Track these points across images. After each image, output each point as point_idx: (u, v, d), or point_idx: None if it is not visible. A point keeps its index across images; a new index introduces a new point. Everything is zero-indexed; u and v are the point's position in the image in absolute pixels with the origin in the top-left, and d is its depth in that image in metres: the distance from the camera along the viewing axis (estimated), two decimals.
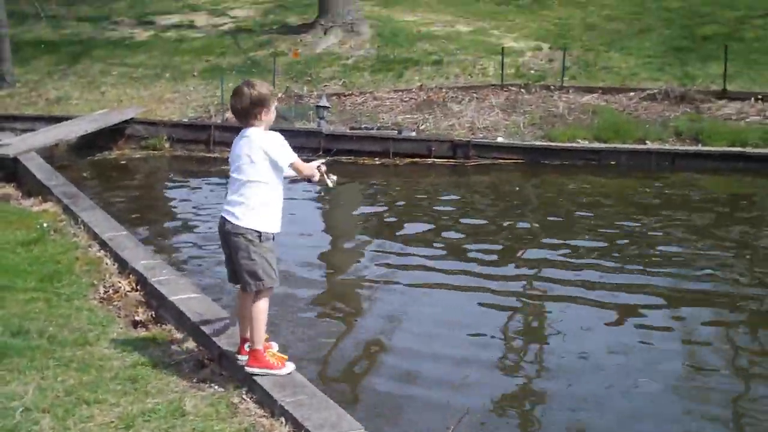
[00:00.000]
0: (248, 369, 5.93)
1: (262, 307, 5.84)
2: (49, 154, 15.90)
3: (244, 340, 6.07)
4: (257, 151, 5.71)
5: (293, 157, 5.80)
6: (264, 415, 5.64)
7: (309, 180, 6.06)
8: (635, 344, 8.01)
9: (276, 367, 5.95)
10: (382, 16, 23.96)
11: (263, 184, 5.75)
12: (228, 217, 5.81)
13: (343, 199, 14.06)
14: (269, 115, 5.83)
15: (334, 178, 6.10)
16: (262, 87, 5.80)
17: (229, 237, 5.82)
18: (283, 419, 5.51)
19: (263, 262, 5.74)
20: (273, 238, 5.86)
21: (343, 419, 5.40)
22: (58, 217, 10.58)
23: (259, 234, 5.74)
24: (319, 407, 5.53)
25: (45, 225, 10.15)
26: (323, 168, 6.08)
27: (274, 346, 6.31)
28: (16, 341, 6.66)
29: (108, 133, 16.91)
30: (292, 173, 5.96)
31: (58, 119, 17.54)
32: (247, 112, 5.76)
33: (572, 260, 10.32)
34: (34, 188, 12.24)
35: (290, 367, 6.02)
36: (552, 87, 18.32)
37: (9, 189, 12.62)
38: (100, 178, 15.17)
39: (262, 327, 5.87)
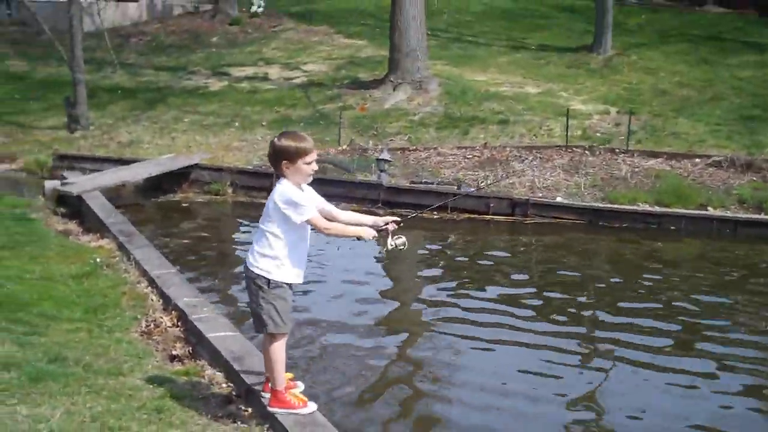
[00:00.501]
0: (270, 409, 6.04)
1: (274, 351, 5.94)
2: (115, 194, 16.32)
3: (268, 379, 6.15)
4: (273, 202, 5.81)
5: (309, 211, 5.77)
6: None
7: (358, 238, 6.01)
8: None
9: (297, 407, 6.04)
10: (452, 75, 24.11)
11: (275, 236, 5.84)
12: (246, 262, 5.94)
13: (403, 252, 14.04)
14: (296, 168, 5.79)
15: (400, 241, 6.03)
16: (288, 139, 5.81)
17: (246, 281, 5.95)
18: None
19: (270, 308, 5.83)
20: (288, 287, 5.90)
21: None
22: (112, 254, 10.84)
23: (268, 281, 5.82)
24: None
25: (98, 260, 10.41)
26: (391, 228, 6.05)
27: (300, 386, 6.38)
28: (53, 367, 6.82)
29: (174, 176, 17.26)
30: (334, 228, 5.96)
31: (126, 161, 18.00)
32: (272, 161, 5.88)
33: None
34: (94, 225, 12.57)
35: (312, 407, 6.11)
36: (617, 150, 18.22)
37: (71, 225, 12.97)
38: (161, 219, 15.45)
39: (278, 369, 5.97)
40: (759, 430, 7.71)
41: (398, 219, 6.18)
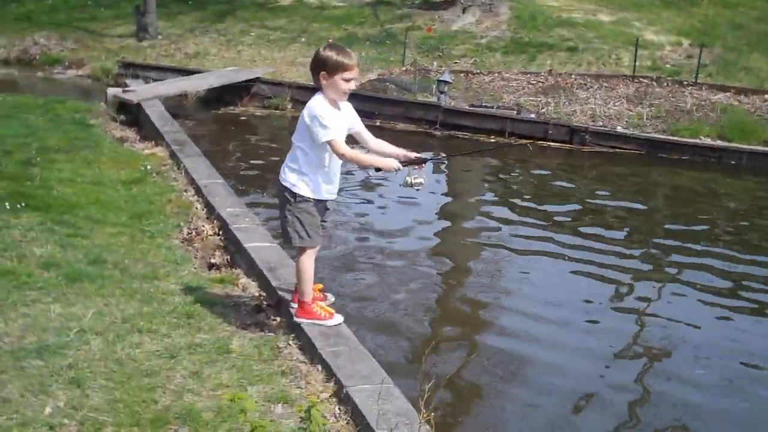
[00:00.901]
0: (296, 319, 6.12)
1: (302, 263, 5.98)
2: (177, 104, 16.49)
3: (297, 290, 6.21)
4: (303, 117, 5.77)
5: (331, 133, 5.67)
6: (303, 361, 5.80)
7: (377, 169, 5.95)
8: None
9: (323, 318, 6.10)
10: None
11: (303, 151, 5.81)
12: (279, 175, 5.95)
13: (458, 172, 14.23)
14: (333, 82, 5.69)
15: (417, 181, 5.93)
16: (332, 50, 5.73)
17: (278, 193, 6.00)
18: (319, 366, 5.67)
19: (294, 221, 5.85)
20: (315, 202, 5.87)
21: (376, 373, 5.50)
22: (163, 162, 10.97)
23: (295, 194, 5.83)
24: (355, 359, 5.66)
25: (149, 167, 10.55)
26: (405, 168, 5.89)
27: (330, 298, 6.43)
28: (91, 269, 6.99)
29: (236, 89, 17.30)
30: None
31: (189, 72, 18.11)
32: (312, 71, 5.81)
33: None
34: (150, 133, 12.71)
35: (338, 319, 6.16)
36: (685, 82, 17.85)
37: (129, 132, 13.11)
38: (219, 131, 15.59)
39: (306, 281, 6.01)
40: None
41: (425, 158, 6.04)
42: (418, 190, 6.04)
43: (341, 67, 5.67)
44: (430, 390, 4.97)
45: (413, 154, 6.00)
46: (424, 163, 5.96)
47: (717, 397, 6.98)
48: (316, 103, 5.72)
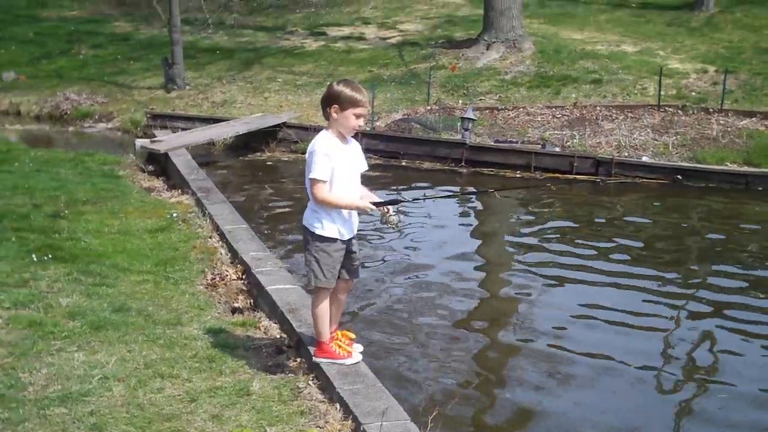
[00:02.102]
0: (315, 359, 6.17)
1: (316, 304, 6.06)
2: (205, 152, 16.70)
3: None
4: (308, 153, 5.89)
5: (315, 174, 5.72)
6: (322, 401, 5.86)
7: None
8: None
9: (341, 357, 6.15)
10: (548, 33, 23.87)
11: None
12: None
13: (486, 207, 14.41)
14: (344, 117, 5.76)
15: (394, 219, 5.90)
16: (345, 85, 5.80)
17: None
18: (337, 405, 5.72)
19: (311, 260, 5.92)
20: (332, 241, 5.90)
21: (393, 409, 5.54)
22: (189, 209, 11.12)
23: (312, 233, 5.90)
24: (372, 397, 5.70)
25: (175, 215, 10.70)
26: (385, 209, 5.90)
27: (357, 347, 6.37)
28: (115, 317, 7.12)
29: (262, 135, 17.51)
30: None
31: (216, 120, 18.34)
32: (323, 104, 5.88)
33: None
34: (177, 182, 12.90)
35: (356, 357, 6.20)
36: (710, 109, 17.82)
37: (157, 182, 13.31)
38: (246, 177, 15.72)
39: (320, 321, 6.08)
40: None
41: (398, 200, 6.07)
42: (394, 228, 6.06)
43: (353, 103, 5.77)
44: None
45: (386, 200, 6.00)
46: (397, 204, 5.98)
47: None
48: (320, 139, 5.83)
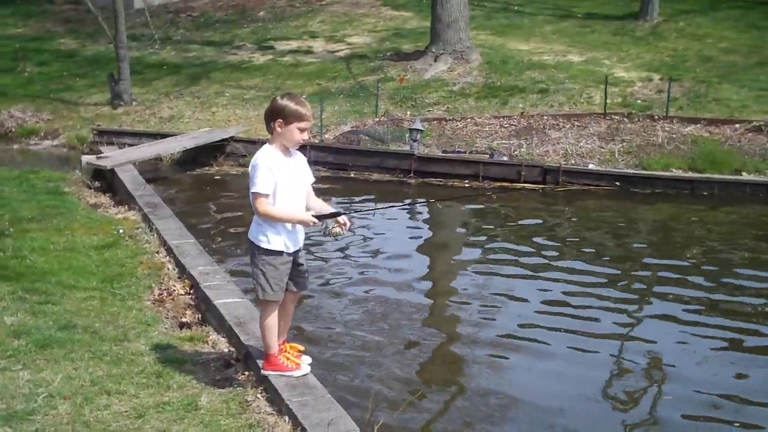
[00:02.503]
0: (263, 372, 6.15)
1: (264, 317, 6.04)
2: (154, 167, 16.60)
3: None
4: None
5: (256, 187, 5.74)
6: (271, 413, 5.84)
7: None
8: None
9: (289, 369, 6.14)
10: (495, 45, 24.02)
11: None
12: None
13: (435, 217, 14.48)
14: (289, 131, 5.77)
15: (335, 230, 5.94)
16: (289, 99, 5.81)
17: None
18: (286, 417, 5.70)
19: (258, 274, 5.90)
20: (278, 254, 5.89)
21: (342, 420, 5.54)
22: (136, 225, 11.03)
23: (258, 247, 5.89)
24: (321, 408, 5.70)
25: (122, 231, 10.61)
26: (322, 222, 5.94)
27: (306, 359, 6.37)
28: (61, 335, 7.03)
29: (210, 150, 17.42)
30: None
31: (163, 136, 18.22)
32: (267, 118, 5.88)
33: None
34: (123, 198, 12.80)
35: (305, 369, 6.20)
36: (656, 117, 18.03)
37: (103, 198, 13.19)
38: (194, 192, 15.66)
39: (268, 334, 6.05)
40: None
41: (340, 212, 6.04)
42: (336, 239, 6.06)
43: (298, 117, 5.77)
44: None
45: (329, 210, 6.05)
46: (339, 216, 5.98)
47: None
48: (262, 153, 5.81)
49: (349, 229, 6.11)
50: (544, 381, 7.85)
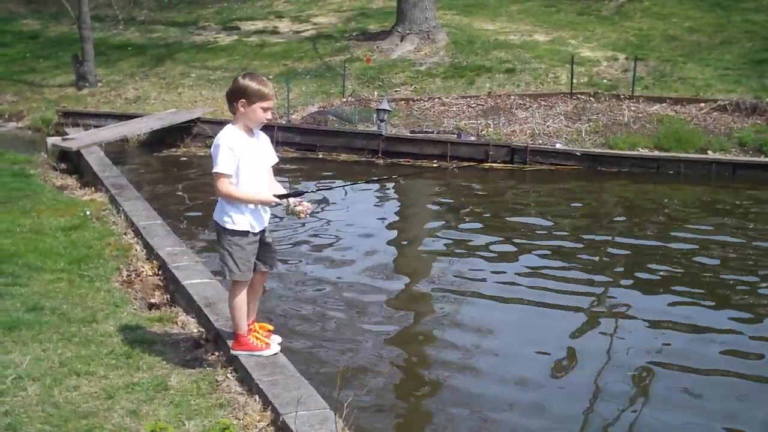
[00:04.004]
0: (233, 352, 6.15)
1: (233, 297, 6.04)
2: (120, 149, 16.49)
3: None
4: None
5: (218, 167, 5.73)
6: (241, 393, 5.85)
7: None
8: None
9: (259, 348, 6.14)
10: (461, 25, 24.00)
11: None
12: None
13: (403, 198, 14.55)
14: (252, 110, 5.76)
15: (298, 209, 5.92)
16: (251, 79, 5.80)
17: None
18: (257, 396, 5.71)
19: (225, 254, 5.90)
20: (244, 234, 5.89)
21: (311, 398, 5.56)
22: (103, 206, 10.95)
23: (224, 228, 5.89)
24: (291, 387, 5.70)
25: (88, 213, 10.54)
26: (290, 200, 5.94)
27: (276, 339, 6.37)
28: (29, 316, 7.00)
29: (177, 131, 17.35)
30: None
31: (129, 117, 18.10)
32: (229, 98, 5.86)
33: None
34: (90, 180, 12.71)
35: (274, 348, 6.21)
36: (622, 96, 18.13)
37: (69, 180, 13.09)
38: (161, 173, 15.60)
39: (237, 314, 6.06)
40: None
41: (302, 191, 6.07)
42: (301, 217, 6.05)
43: (261, 96, 5.75)
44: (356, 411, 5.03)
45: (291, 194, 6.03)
46: (302, 195, 6.01)
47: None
48: (225, 133, 5.79)
49: (311, 213, 6.13)
50: (510, 361, 7.88)
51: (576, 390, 7.29)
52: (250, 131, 5.85)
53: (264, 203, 5.89)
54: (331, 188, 10.29)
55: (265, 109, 5.79)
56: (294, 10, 27.62)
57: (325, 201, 13.08)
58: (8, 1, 32.08)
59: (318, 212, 12.11)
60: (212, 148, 5.83)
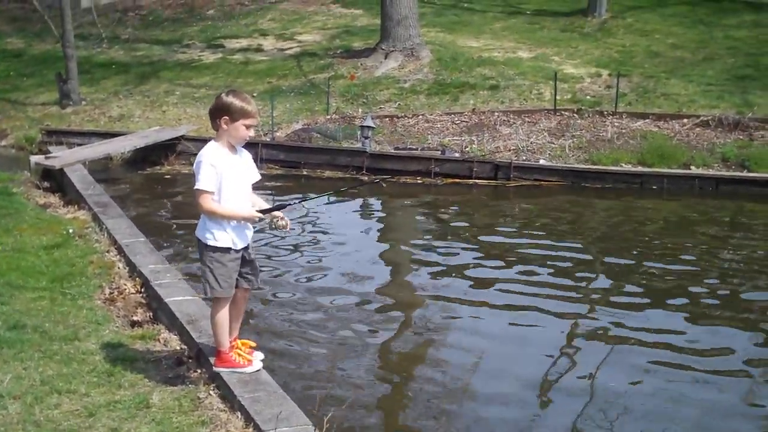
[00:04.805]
0: (215, 369, 6.13)
1: (214, 314, 6.03)
2: (104, 168, 16.47)
3: None
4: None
5: (200, 184, 5.73)
6: (224, 410, 5.82)
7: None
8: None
9: (241, 365, 6.12)
10: (445, 42, 24.09)
11: None
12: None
13: (387, 214, 14.58)
14: (234, 128, 5.75)
15: (281, 223, 5.97)
16: (235, 96, 5.79)
17: None
18: (239, 413, 5.68)
19: (207, 271, 5.89)
20: (226, 251, 5.87)
21: (294, 415, 5.55)
22: (86, 225, 10.92)
23: (205, 244, 5.88)
24: (273, 403, 5.69)
25: (71, 231, 10.50)
26: (277, 213, 6.00)
27: (258, 356, 6.35)
28: (10, 334, 6.96)
29: (161, 149, 17.33)
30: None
31: (113, 135, 18.07)
32: (212, 115, 5.87)
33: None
34: (73, 198, 12.67)
35: (257, 365, 6.18)
36: (605, 112, 18.21)
37: (52, 198, 13.03)
38: (145, 191, 15.57)
39: (219, 331, 6.04)
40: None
41: (283, 205, 6.11)
42: (284, 231, 6.10)
43: (244, 114, 5.75)
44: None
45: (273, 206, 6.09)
46: (284, 208, 6.03)
47: None
48: (207, 150, 5.79)
49: (290, 228, 6.15)
50: (487, 376, 7.89)
51: (563, 408, 7.29)
52: (232, 148, 5.85)
53: (247, 219, 5.88)
54: (310, 198, 10.31)
55: (248, 127, 5.79)
56: (278, 28, 27.67)
57: (306, 215, 13.11)
58: None
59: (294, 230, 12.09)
60: (194, 164, 5.82)
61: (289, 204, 6.07)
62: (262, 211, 5.89)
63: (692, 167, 15.69)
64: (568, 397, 7.43)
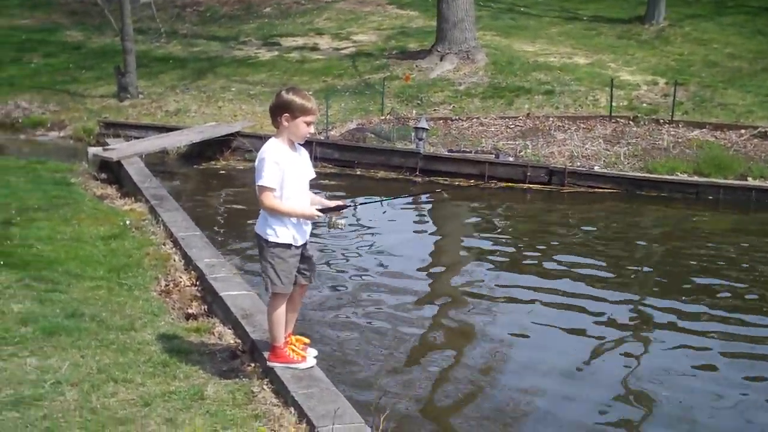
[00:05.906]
0: (269, 364, 6.17)
1: (272, 309, 6.07)
2: (160, 161, 16.63)
3: None
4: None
5: (263, 181, 5.76)
6: (277, 404, 5.86)
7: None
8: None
9: (295, 361, 6.17)
10: (500, 45, 24.03)
11: None
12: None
13: (440, 216, 14.58)
14: (295, 125, 5.80)
15: (342, 221, 6.06)
16: (295, 94, 5.84)
17: None
18: (292, 409, 5.73)
19: (267, 266, 5.93)
20: (287, 247, 5.91)
21: (347, 412, 5.57)
22: (143, 217, 11.06)
23: (267, 240, 5.91)
24: (327, 400, 5.73)
25: (128, 222, 10.64)
26: (336, 211, 6.06)
27: (311, 352, 6.41)
28: (68, 322, 7.05)
29: (216, 144, 17.49)
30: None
31: (169, 129, 18.25)
32: (272, 112, 5.91)
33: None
34: (130, 190, 12.83)
35: (311, 362, 6.22)
36: (661, 121, 18.08)
37: (110, 190, 13.19)
38: (200, 185, 15.74)
39: (276, 326, 6.09)
40: None
41: (344, 206, 6.13)
42: (340, 229, 6.17)
43: (304, 111, 5.80)
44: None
45: (332, 203, 6.12)
46: (342, 209, 6.07)
47: None
48: (269, 146, 5.83)
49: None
50: (550, 380, 7.86)
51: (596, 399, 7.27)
52: (292, 145, 5.89)
53: (308, 217, 5.92)
54: (369, 203, 10.31)
55: (308, 124, 5.84)
56: (334, 28, 27.74)
57: (356, 215, 13.18)
58: (52, 11, 32.45)
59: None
60: (257, 161, 5.84)
61: (348, 206, 6.10)
62: (322, 210, 5.93)
63: (749, 178, 15.52)
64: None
